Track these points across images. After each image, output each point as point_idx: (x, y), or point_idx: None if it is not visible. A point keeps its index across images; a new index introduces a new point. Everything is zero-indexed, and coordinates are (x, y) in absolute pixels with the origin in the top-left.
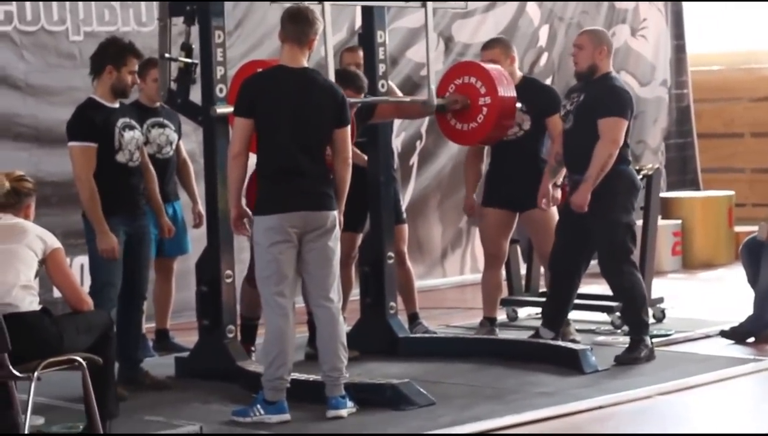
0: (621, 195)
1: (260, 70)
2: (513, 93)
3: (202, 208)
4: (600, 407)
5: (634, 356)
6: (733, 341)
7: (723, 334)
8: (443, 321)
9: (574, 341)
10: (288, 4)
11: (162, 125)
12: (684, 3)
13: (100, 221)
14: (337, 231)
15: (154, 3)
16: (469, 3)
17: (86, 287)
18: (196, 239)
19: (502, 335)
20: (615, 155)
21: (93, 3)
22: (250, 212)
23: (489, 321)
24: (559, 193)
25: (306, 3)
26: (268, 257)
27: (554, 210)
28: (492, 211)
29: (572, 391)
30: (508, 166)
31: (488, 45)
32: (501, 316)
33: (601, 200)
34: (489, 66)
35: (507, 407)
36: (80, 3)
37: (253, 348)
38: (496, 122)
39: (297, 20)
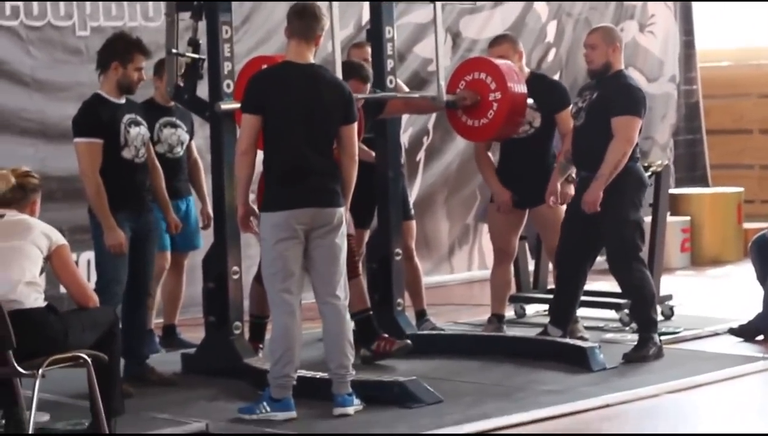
0: (630, 192)
1: (266, 66)
2: (524, 89)
3: (210, 209)
4: (607, 406)
5: (642, 354)
6: (742, 339)
7: (732, 331)
8: (451, 318)
9: (582, 338)
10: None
11: (174, 125)
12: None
13: (107, 216)
14: (344, 228)
15: None
16: None
17: (92, 283)
18: (205, 235)
19: (510, 332)
20: (629, 154)
21: None
22: (257, 210)
23: (497, 318)
24: (571, 189)
25: None
26: (274, 253)
27: (563, 207)
28: None
29: (580, 389)
30: (518, 164)
31: (496, 41)
32: (509, 313)
33: (610, 198)
34: (499, 61)
35: (514, 405)
36: None
37: (261, 346)
38: (507, 118)
39: (303, 16)
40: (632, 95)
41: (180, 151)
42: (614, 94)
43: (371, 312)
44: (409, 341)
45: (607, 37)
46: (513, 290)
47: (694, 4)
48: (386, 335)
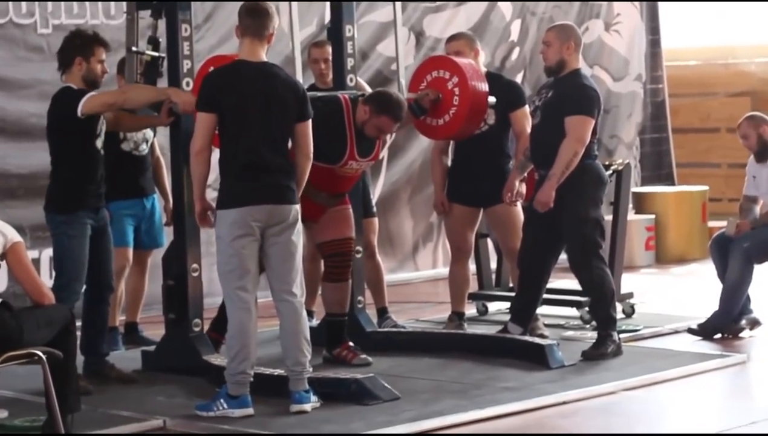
0: (589, 190)
1: (216, 65)
2: (485, 86)
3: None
4: (564, 403)
5: (601, 352)
6: (700, 338)
7: (690, 331)
8: (414, 315)
9: (542, 335)
10: None
11: None
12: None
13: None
14: (300, 225)
15: None
16: None
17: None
18: (169, 233)
19: (471, 329)
20: (580, 154)
21: None
22: (214, 206)
23: (457, 316)
24: (524, 188)
25: None
26: (230, 251)
27: (518, 206)
28: (456, 206)
29: (537, 386)
30: (473, 161)
31: (453, 38)
32: (471, 310)
33: (569, 195)
34: (460, 60)
35: (471, 402)
36: None
37: (224, 341)
38: (468, 116)
39: (256, 14)
40: (585, 95)
41: (145, 148)
42: (568, 94)
43: (346, 319)
44: (369, 359)
45: (561, 34)
46: (475, 287)
47: (660, 3)
48: (351, 344)
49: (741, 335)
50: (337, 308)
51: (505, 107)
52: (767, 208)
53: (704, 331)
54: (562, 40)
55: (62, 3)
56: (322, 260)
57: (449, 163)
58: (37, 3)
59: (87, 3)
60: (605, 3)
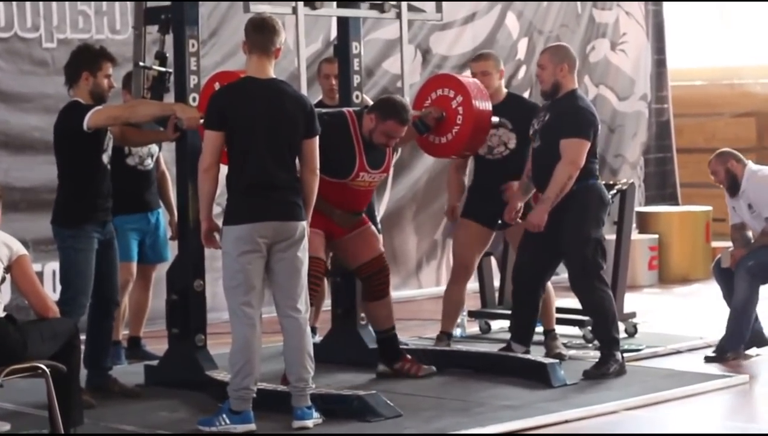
0: (591, 210)
1: (221, 80)
2: (488, 105)
3: None
4: (566, 421)
5: (602, 372)
6: (718, 363)
7: (707, 359)
8: (417, 332)
9: (559, 354)
10: (262, 6)
11: None
12: (665, 17)
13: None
14: (306, 241)
15: (129, 11)
16: (447, 15)
17: (56, 294)
18: (174, 247)
19: (475, 347)
20: (575, 177)
21: (67, 9)
22: (220, 226)
23: (447, 336)
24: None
25: (273, 13)
26: (236, 266)
27: None
28: (471, 223)
29: (539, 404)
30: (493, 184)
31: (481, 57)
32: (473, 328)
33: (570, 215)
34: (464, 78)
35: (473, 419)
36: (54, 9)
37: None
38: (471, 135)
39: (263, 30)
40: (580, 117)
41: (150, 163)
42: (563, 116)
43: (395, 331)
44: (434, 367)
45: (555, 57)
46: (478, 305)
47: (666, 23)
48: (410, 357)
49: (748, 353)
50: (386, 323)
51: (528, 128)
52: (758, 234)
53: (719, 356)
54: (555, 63)
55: (68, 17)
56: (361, 281)
57: (467, 181)
58: (42, 17)
59: (92, 17)
60: (612, 22)
